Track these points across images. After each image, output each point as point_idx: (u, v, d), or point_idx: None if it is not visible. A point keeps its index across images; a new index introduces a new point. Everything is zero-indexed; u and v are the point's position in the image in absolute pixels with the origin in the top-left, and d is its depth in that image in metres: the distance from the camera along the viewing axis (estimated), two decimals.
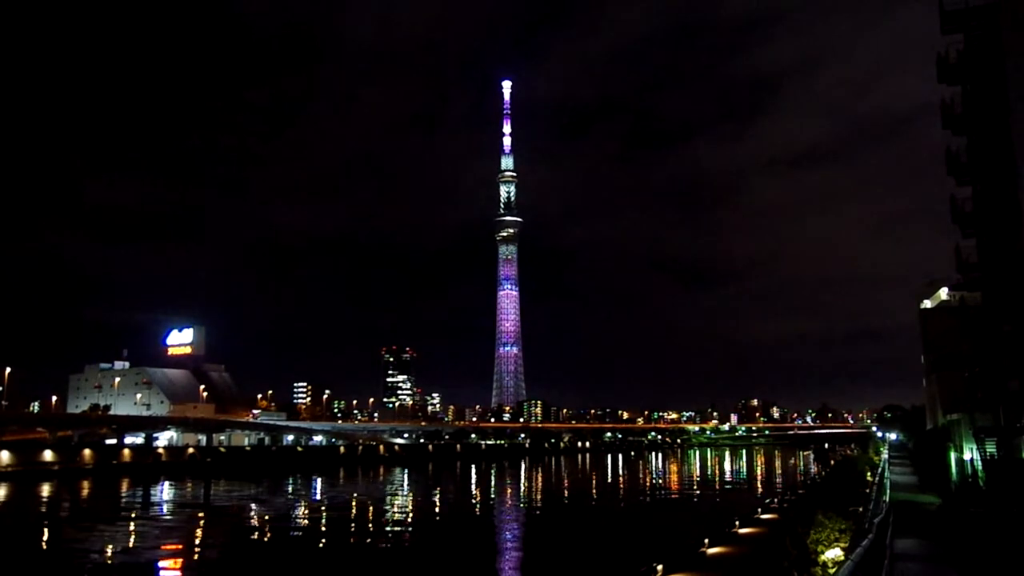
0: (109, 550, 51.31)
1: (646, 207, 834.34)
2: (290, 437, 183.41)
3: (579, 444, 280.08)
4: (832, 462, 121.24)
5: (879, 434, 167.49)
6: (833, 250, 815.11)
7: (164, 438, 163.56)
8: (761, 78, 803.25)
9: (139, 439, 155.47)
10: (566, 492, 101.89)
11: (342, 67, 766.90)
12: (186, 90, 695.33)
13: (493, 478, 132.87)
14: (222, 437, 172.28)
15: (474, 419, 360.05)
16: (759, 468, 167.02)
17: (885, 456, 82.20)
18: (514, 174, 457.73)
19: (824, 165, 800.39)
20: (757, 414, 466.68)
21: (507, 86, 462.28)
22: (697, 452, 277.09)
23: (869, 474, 66.71)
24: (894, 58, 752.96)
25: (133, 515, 71.12)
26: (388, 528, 63.19)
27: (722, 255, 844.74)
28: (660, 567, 28.67)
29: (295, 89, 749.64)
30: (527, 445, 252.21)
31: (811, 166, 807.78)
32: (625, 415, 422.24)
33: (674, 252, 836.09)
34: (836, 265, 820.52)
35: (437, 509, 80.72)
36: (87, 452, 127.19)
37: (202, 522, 67.20)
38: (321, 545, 53.76)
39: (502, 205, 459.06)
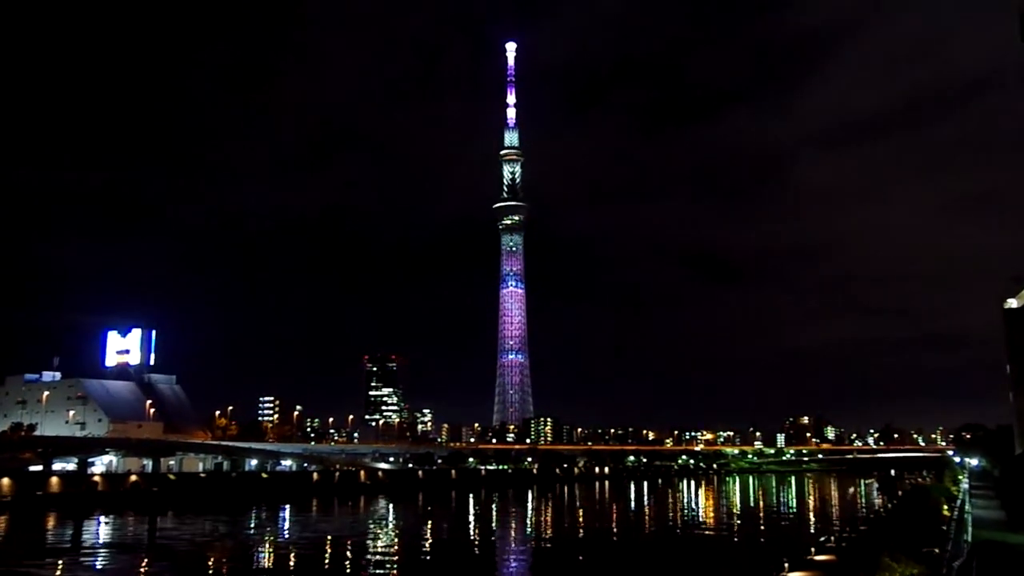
0: None
1: (673, 190, 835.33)
2: (254, 461, 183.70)
3: (596, 470, 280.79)
4: (900, 492, 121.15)
5: (957, 459, 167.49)
6: (895, 240, 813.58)
7: (102, 463, 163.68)
8: (809, 35, 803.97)
9: (71, 465, 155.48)
10: (581, 527, 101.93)
11: (317, 22, 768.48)
12: (128, 47, 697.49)
13: (495, 510, 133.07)
14: (172, 462, 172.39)
15: (472, 440, 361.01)
16: (811, 499, 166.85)
17: (965, 486, 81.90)
18: (519, 152, 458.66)
19: (882, 140, 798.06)
20: (808, 435, 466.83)
21: (511, 48, 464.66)
22: (737, 479, 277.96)
23: (946, 508, 66.45)
24: (964, 11, 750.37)
25: (60, 559, 70.53)
26: (370, 571, 62.82)
27: (763, 247, 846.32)
28: None
29: (260, 47, 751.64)
30: (535, 471, 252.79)
31: (867, 141, 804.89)
32: (651, 436, 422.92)
33: (707, 243, 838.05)
34: (899, 258, 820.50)
35: (428, 548, 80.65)
36: (5, 481, 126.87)
37: (145, 566, 66.94)
38: None
39: (505, 188, 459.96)
